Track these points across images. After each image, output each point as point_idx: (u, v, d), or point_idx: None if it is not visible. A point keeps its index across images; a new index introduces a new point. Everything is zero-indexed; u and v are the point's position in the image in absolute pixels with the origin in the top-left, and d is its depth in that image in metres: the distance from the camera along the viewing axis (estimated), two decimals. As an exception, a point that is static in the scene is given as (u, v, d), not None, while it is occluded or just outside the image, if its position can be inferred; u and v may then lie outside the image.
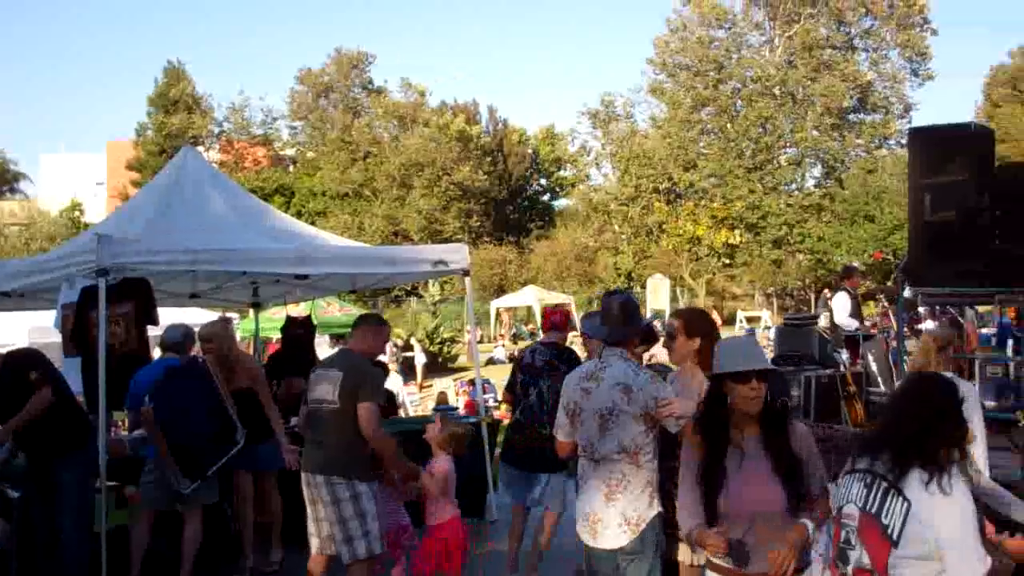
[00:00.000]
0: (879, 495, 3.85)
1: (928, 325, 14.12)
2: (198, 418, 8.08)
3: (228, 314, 17.71)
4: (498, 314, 49.93)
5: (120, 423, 12.18)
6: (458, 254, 10.99)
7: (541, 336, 9.12)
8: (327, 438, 6.96)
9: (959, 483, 3.75)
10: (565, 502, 8.10)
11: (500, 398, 13.50)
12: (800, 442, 4.61)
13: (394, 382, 17.73)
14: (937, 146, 8.75)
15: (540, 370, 8.34)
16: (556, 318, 8.82)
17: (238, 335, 20.82)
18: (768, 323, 42.42)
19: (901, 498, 3.76)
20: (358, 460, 6.92)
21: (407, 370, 29.85)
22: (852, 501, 3.97)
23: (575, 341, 18.29)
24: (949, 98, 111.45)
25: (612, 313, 5.98)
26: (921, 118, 63.88)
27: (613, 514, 5.51)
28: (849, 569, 3.93)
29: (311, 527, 7.15)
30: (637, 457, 5.52)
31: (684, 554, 5.77)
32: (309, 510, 7.14)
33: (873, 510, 3.85)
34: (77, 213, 62.94)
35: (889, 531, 3.76)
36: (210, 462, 8.09)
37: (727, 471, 4.54)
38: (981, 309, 12.47)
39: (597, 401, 5.68)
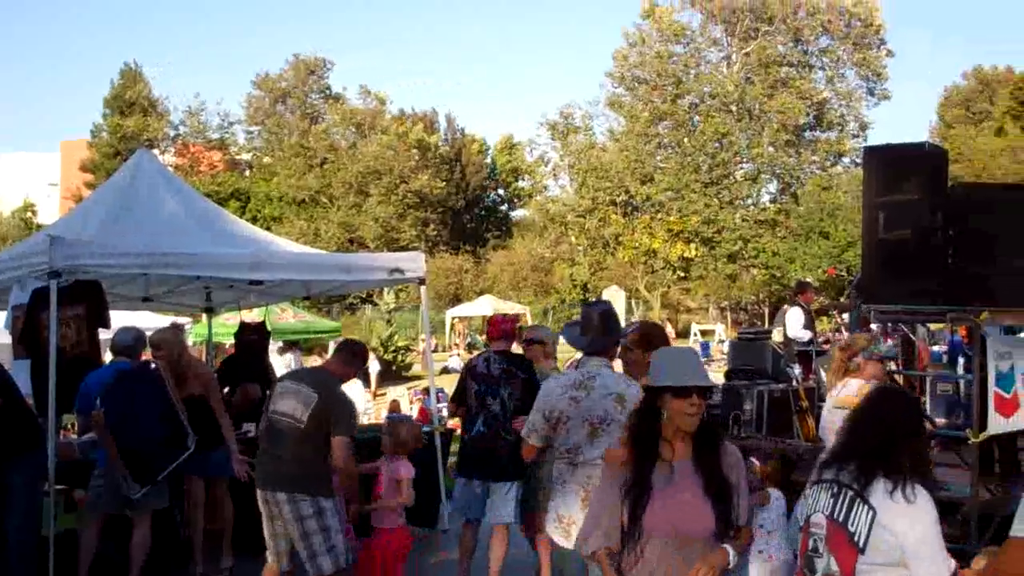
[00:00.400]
0: (845, 503, 3.95)
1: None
2: (149, 423, 8.00)
3: (181, 319, 17.58)
4: (453, 324, 49.91)
5: (69, 426, 12.06)
6: (414, 263, 10.96)
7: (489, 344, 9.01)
8: (286, 453, 6.86)
9: (922, 491, 3.87)
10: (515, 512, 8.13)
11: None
12: (731, 467, 4.42)
13: (356, 391, 17.63)
14: (892, 165, 8.79)
15: (498, 379, 8.26)
16: (507, 326, 8.71)
17: (191, 340, 20.72)
18: (722, 337, 42.71)
19: (867, 506, 3.87)
20: (320, 476, 6.86)
21: (361, 377, 29.72)
22: (819, 510, 4.07)
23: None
24: (904, 117, 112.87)
25: (592, 323, 6.14)
26: (876, 136, 64.63)
27: None
28: None
29: (268, 540, 7.07)
30: None
31: None
32: (266, 525, 7.04)
33: (840, 518, 3.95)
34: (29, 214, 62.39)
35: (856, 538, 3.86)
36: (160, 467, 8.01)
37: (653, 489, 4.29)
38: (933, 327, 12.58)
39: (587, 409, 5.78)
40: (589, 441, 5.72)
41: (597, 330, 6.07)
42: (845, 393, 7.19)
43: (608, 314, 6.14)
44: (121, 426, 7.91)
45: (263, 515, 7.04)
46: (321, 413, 6.81)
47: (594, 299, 37.77)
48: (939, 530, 3.87)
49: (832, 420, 7.00)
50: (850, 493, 3.96)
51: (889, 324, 13.20)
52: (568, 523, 5.72)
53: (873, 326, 13.40)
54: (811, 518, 4.13)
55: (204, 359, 13.54)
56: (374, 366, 31.78)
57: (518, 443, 6.65)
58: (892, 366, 12.78)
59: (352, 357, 7.47)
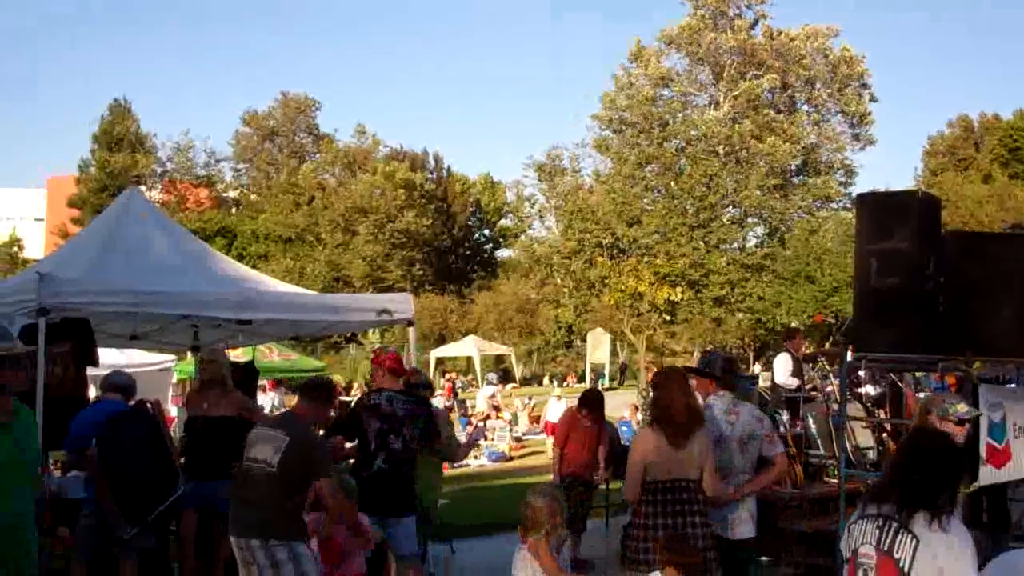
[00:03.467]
0: (890, 534, 4.40)
1: (867, 389, 14.23)
2: (142, 464, 7.95)
3: (166, 356, 17.53)
4: (439, 362, 49.83)
5: (53, 464, 11.96)
6: (402, 304, 10.97)
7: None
8: (259, 499, 6.79)
9: (957, 522, 4.36)
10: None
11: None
12: None
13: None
14: (884, 212, 8.81)
15: (402, 419, 8.41)
16: (398, 365, 8.86)
17: (175, 377, 20.66)
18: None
19: (911, 535, 4.33)
20: (293, 521, 6.80)
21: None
22: (867, 542, 4.49)
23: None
24: (889, 163, 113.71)
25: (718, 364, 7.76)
26: (862, 182, 64.99)
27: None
28: None
29: None
30: None
31: None
32: (242, 572, 6.96)
33: (886, 547, 4.40)
34: (15, 248, 62.22)
35: (901, 564, 4.33)
36: (151, 508, 7.95)
37: None
38: (919, 374, 12.59)
39: (740, 428, 7.39)
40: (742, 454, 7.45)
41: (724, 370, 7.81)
42: None
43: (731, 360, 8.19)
44: (115, 467, 7.85)
45: (238, 562, 6.95)
46: (291, 456, 6.77)
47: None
48: (974, 559, 4.30)
49: None
50: (895, 524, 4.39)
51: (876, 371, 13.22)
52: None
53: (861, 372, 13.41)
54: (859, 549, 4.53)
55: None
56: (358, 405, 31.60)
57: (412, 479, 8.24)
58: (881, 414, 12.81)
59: (315, 396, 7.41)
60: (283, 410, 10.40)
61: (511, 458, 23.62)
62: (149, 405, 8.54)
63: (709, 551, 6.74)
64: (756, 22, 62.25)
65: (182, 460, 8.84)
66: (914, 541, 4.30)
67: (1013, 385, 10.36)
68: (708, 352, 8.77)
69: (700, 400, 7.44)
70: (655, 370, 8.50)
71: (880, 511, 4.49)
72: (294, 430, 6.96)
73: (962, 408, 6.54)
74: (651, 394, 7.70)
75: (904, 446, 4.83)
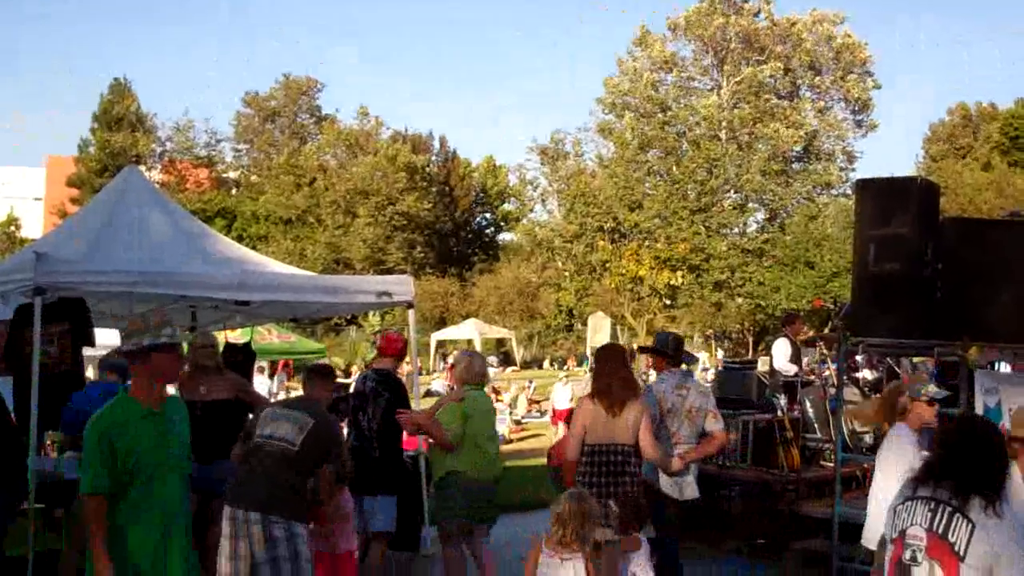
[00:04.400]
0: (944, 517, 4.48)
1: (864, 374, 14.24)
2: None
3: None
4: (440, 345, 49.83)
5: (49, 443, 11.96)
6: (403, 286, 10.92)
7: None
8: (272, 475, 6.72)
9: (1009, 508, 4.50)
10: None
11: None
12: None
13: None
14: (884, 198, 8.82)
15: (368, 396, 8.69)
16: (400, 345, 9.23)
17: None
18: (706, 364, 42.67)
19: (966, 520, 4.42)
20: (298, 502, 6.76)
21: (343, 399, 29.56)
22: (917, 523, 4.58)
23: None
24: (890, 149, 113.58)
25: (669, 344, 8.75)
26: (863, 167, 64.94)
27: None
28: None
29: (225, 566, 6.71)
30: None
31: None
32: (226, 544, 6.74)
33: (940, 530, 4.48)
34: (13, 228, 62.20)
35: (956, 547, 4.40)
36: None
37: None
38: (916, 359, 12.59)
39: (688, 402, 8.30)
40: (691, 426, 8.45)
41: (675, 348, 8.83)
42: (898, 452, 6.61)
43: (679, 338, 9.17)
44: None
45: (224, 534, 6.77)
46: (316, 438, 6.78)
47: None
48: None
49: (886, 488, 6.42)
50: (949, 508, 4.48)
51: (875, 356, 13.22)
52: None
53: (859, 357, 13.42)
54: (908, 531, 4.61)
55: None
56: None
57: (385, 458, 8.54)
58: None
59: (324, 380, 7.67)
60: (296, 394, 10.37)
61: (511, 441, 23.60)
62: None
63: (640, 506, 7.25)
64: (759, 11, 62.13)
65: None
66: (970, 526, 4.40)
67: (1008, 369, 10.38)
68: (660, 333, 9.59)
69: (654, 376, 8.90)
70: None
71: (933, 495, 4.58)
72: (319, 414, 7.01)
73: (932, 389, 6.75)
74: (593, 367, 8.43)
75: (954, 432, 4.88)
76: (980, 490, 4.48)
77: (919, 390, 6.71)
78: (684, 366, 8.86)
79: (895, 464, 6.40)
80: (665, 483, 8.20)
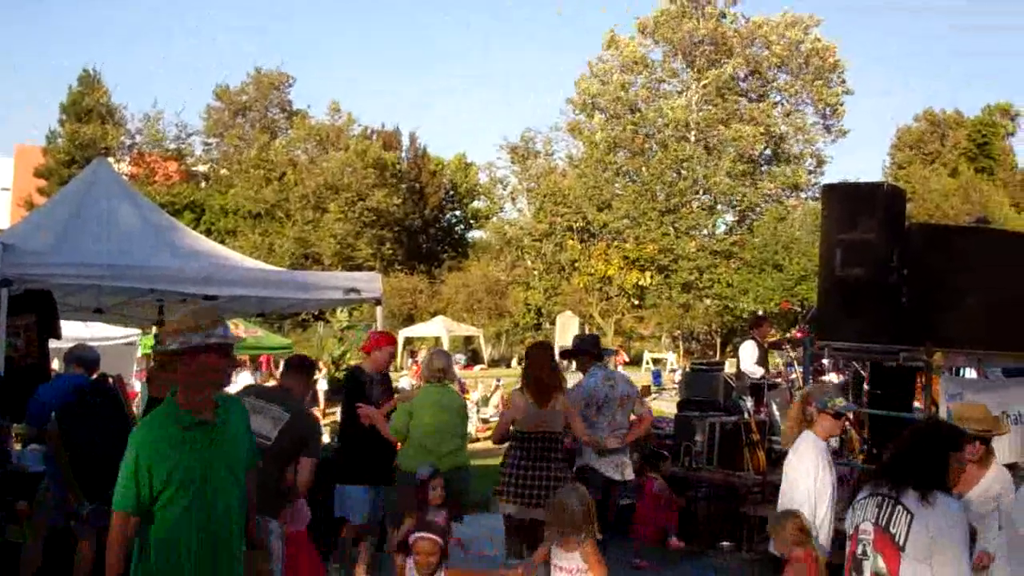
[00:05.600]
0: (888, 511, 4.73)
1: (831, 377, 14.33)
2: (105, 439, 7.87)
3: (131, 330, 17.42)
4: (407, 342, 49.75)
5: (13, 436, 11.88)
6: (371, 283, 10.94)
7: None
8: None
9: (944, 498, 4.67)
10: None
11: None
12: None
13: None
14: (850, 203, 8.89)
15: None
16: (366, 344, 9.55)
17: (138, 352, 20.56)
18: (674, 366, 42.81)
19: (905, 511, 4.65)
20: (274, 497, 6.72)
21: (309, 395, 29.45)
22: (867, 519, 4.83)
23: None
24: (859, 154, 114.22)
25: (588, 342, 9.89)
26: (832, 172, 65.22)
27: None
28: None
29: None
30: None
31: None
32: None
33: (883, 523, 4.73)
34: (-21, 217, 61.70)
35: (897, 538, 4.64)
36: (112, 484, 7.85)
37: None
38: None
39: (618, 392, 9.23)
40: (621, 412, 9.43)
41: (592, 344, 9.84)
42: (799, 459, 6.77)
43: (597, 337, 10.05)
44: (74, 441, 7.78)
45: None
46: (291, 431, 6.79)
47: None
48: (964, 532, 4.68)
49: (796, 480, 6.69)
50: (891, 500, 4.73)
51: (841, 360, 13.30)
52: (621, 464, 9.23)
53: (825, 361, 13.50)
54: (860, 526, 4.86)
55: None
56: (322, 384, 31.54)
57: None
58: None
59: (303, 373, 7.66)
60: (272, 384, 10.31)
61: (477, 439, 23.57)
62: (111, 380, 8.49)
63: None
64: (723, 14, 62.31)
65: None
66: (908, 516, 4.62)
67: (974, 374, 10.47)
68: (577, 336, 11.34)
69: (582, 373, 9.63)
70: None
71: (878, 490, 4.84)
72: (294, 406, 7.00)
73: (840, 402, 6.78)
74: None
75: (908, 434, 5.12)
76: (915, 482, 4.71)
77: (826, 402, 6.72)
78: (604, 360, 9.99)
79: (797, 472, 6.57)
80: (607, 467, 9.08)
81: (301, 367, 7.70)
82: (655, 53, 63.85)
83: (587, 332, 11.19)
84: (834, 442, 11.84)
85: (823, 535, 6.41)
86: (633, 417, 9.39)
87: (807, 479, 6.45)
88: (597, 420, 9.11)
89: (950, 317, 8.53)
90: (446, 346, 50.14)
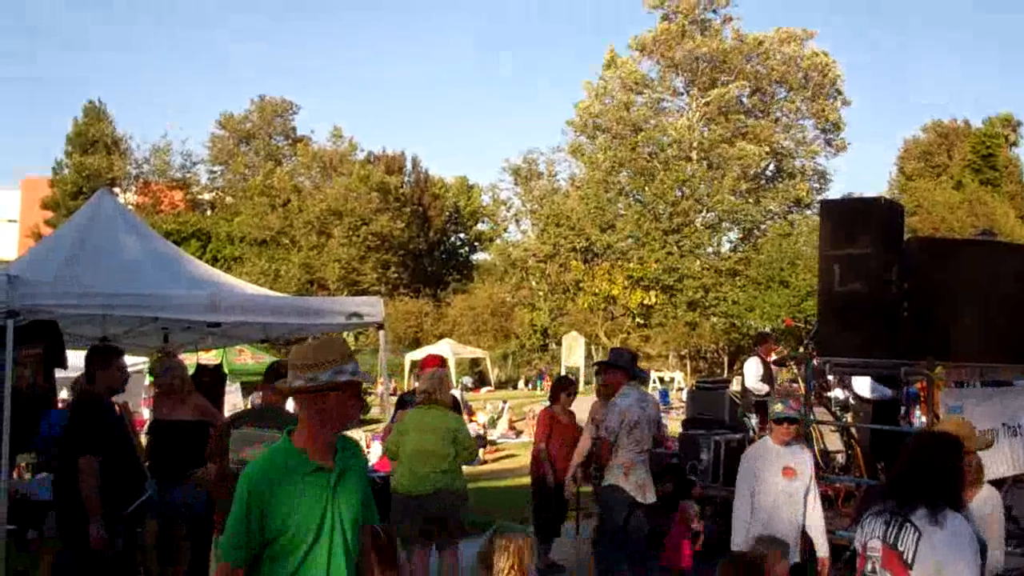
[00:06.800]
0: (895, 528, 4.72)
1: (836, 393, 14.35)
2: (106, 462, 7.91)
3: (138, 358, 17.48)
4: (414, 365, 49.72)
5: (23, 465, 11.96)
6: (373, 307, 10.98)
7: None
8: None
9: (953, 515, 4.64)
10: None
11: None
12: None
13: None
14: (848, 218, 8.92)
15: None
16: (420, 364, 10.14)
17: (146, 380, 20.61)
18: (681, 384, 42.74)
19: (914, 528, 4.64)
20: None
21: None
22: (876, 536, 4.82)
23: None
24: (866, 168, 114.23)
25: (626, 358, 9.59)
26: (838, 187, 65.34)
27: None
28: None
29: None
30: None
31: None
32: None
33: (891, 541, 4.72)
34: (-13, 250, 61.88)
35: (904, 556, 4.63)
36: (118, 507, 7.89)
37: None
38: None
39: (648, 414, 9.17)
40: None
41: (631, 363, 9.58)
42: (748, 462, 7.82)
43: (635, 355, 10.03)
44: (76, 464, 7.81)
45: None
46: None
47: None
48: (974, 552, 4.63)
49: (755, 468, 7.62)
50: (899, 519, 4.72)
51: (844, 376, 13.32)
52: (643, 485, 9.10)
53: (830, 377, 13.51)
54: (868, 543, 4.86)
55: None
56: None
57: None
58: (848, 418, 12.89)
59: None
60: (255, 405, 10.23)
61: (484, 462, 23.57)
62: (117, 407, 8.53)
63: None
64: (724, 24, 62.57)
65: (147, 463, 8.82)
66: (916, 534, 4.61)
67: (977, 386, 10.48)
68: (615, 349, 10.42)
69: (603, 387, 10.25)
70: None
71: (887, 507, 4.82)
72: (289, 424, 6.94)
73: (778, 408, 7.48)
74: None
75: (910, 448, 5.09)
76: (925, 500, 4.68)
77: (774, 411, 7.52)
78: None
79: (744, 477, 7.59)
80: (631, 488, 8.98)
81: (278, 376, 7.48)
82: (654, 72, 64.08)
83: (623, 349, 10.74)
84: (841, 458, 11.92)
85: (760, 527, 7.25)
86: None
87: (740, 474, 7.58)
88: (624, 442, 9.02)
89: (951, 330, 8.55)
90: (452, 369, 50.16)
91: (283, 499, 4.09)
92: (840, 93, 63.62)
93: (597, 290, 58.76)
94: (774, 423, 7.45)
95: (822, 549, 7.63)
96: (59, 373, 9.80)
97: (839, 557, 8.25)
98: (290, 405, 7.80)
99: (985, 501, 6.47)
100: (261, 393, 8.06)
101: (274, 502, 4.08)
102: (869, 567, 4.83)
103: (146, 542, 8.81)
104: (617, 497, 8.95)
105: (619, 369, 9.48)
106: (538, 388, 49.21)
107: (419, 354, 51.78)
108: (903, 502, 4.75)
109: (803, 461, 7.63)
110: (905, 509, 4.71)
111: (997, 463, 7.12)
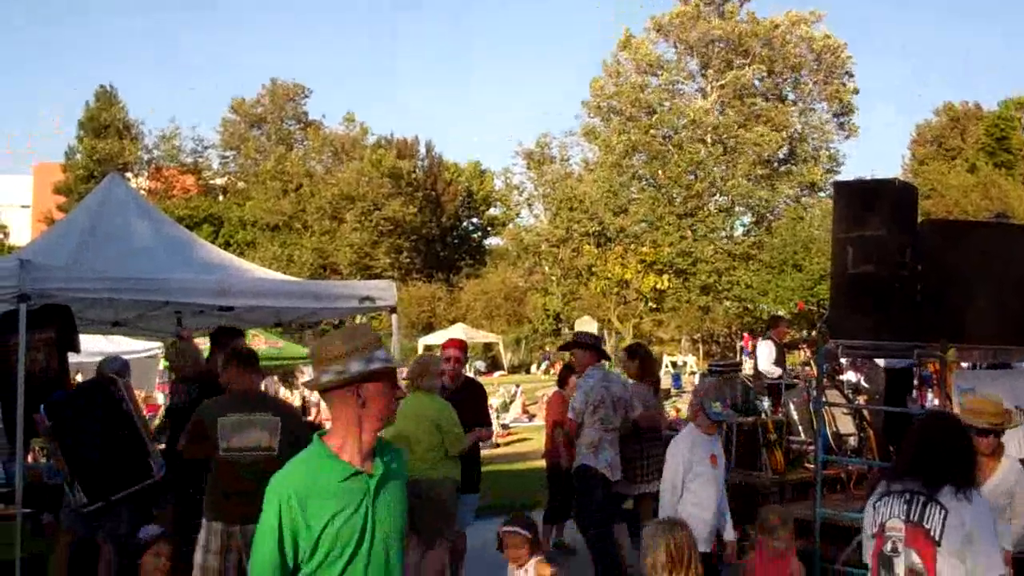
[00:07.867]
0: (919, 507, 4.75)
1: (849, 376, 14.31)
2: (104, 436, 7.88)
3: (152, 343, 17.51)
4: (427, 350, 49.78)
5: (37, 449, 11.98)
6: (385, 291, 10.95)
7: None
8: (259, 487, 6.54)
9: (976, 494, 4.76)
10: None
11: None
12: None
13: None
14: (861, 200, 8.85)
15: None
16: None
17: (160, 364, 20.64)
18: (694, 368, 42.70)
19: (940, 506, 4.69)
20: None
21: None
22: (895, 516, 4.84)
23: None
24: (878, 152, 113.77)
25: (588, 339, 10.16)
26: (849, 170, 65.07)
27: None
28: (901, 571, 4.79)
29: None
30: None
31: None
32: (215, 559, 6.72)
33: (915, 519, 4.75)
34: (1, 235, 62.03)
35: (932, 533, 4.67)
36: (115, 488, 7.86)
37: None
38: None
39: (614, 392, 9.40)
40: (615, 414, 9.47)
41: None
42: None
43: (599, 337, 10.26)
44: (68, 435, 7.80)
45: (212, 550, 6.75)
46: (289, 433, 6.72)
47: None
48: (994, 520, 4.85)
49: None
50: (922, 498, 4.75)
51: (858, 359, 13.27)
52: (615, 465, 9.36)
53: (843, 360, 13.48)
54: (886, 524, 4.87)
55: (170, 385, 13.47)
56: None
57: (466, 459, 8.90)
58: (861, 400, 12.87)
59: (257, 366, 7.29)
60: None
61: (498, 445, 23.61)
62: (120, 382, 8.47)
63: None
64: (741, 6, 62.43)
65: (161, 447, 8.80)
66: (943, 511, 4.65)
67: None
68: (580, 332, 11.58)
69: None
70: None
71: (907, 487, 4.84)
72: (279, 409, 6.96)
73: (716, 406, 7.72)
74: None
75: (922, 428, 5.18)
76: (950, 479, 4.74)
77: (707, 405, 7.75)
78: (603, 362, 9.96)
79: (667, 459, 7.81)
80: (601, 466, 9.19)
81: (252, 360, 7.25)
82: (669, 53, 63.94)
83: (587, 332, 10.90)
84: (853, 441, 11.90)
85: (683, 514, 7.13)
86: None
87: (673, 462, 7.67)
88: (591, 420, 9.21)
89: (965, 312, 8.50)
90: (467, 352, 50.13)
91: (319, 508, 3.66)
92: (852, 76, 63.48)
93: (610, 274, 58.70)
94: (710, 421, 7.78)
95: (729, 533, 8.04)
96: (72, 357, 9.80)
97: (848, 539, 8.26)
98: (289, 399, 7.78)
99: (1008, 472, 6.60)
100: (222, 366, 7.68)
101: (310, 511, 3.65)
102: (889, 547, 4.85)
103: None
104: (589, 475, 9.18)
105: (587, 349, 9.75)
106: (548, 372, 49.13)
107: (432, 339, 52.02)
108: (926, 481, 4.78)
109: (720, 451, 8.11)
110: (930, 489, 4.74)
111: (1008, 444, 7.06)
